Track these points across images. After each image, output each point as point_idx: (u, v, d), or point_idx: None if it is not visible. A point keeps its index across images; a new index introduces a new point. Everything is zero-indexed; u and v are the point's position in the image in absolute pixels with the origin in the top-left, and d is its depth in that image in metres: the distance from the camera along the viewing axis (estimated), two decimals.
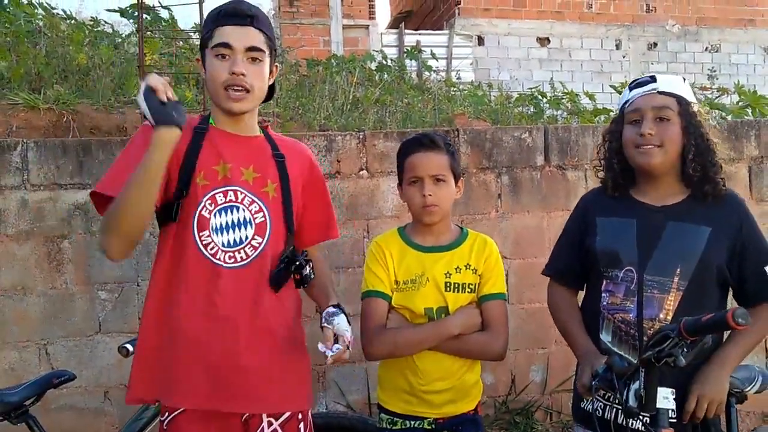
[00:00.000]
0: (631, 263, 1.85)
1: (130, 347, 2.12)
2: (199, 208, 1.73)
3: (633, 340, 1.83)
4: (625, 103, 1.92)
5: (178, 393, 1.72)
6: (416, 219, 2.06)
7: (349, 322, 1.76)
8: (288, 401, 1.82)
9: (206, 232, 1.73)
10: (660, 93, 1.84)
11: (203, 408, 1.72)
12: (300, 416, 1.84)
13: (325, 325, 1.72)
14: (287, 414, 1.81)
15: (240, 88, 1.73)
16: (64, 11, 5.45)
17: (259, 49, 1.76)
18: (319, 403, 3.25)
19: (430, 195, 1.97)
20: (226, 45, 1.72)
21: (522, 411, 3.40)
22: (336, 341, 1.70)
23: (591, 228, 1.97)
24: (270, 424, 1.78)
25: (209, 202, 1.74)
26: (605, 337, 1.89)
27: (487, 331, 2.01)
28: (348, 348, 1.70)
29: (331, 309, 1.77)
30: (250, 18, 1.75)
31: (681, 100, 1.85)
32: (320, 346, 1.68)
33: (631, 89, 1.92)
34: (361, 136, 3.34)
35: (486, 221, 3.42)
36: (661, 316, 1.80)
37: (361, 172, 3.32)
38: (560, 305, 2.04)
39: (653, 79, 1.87)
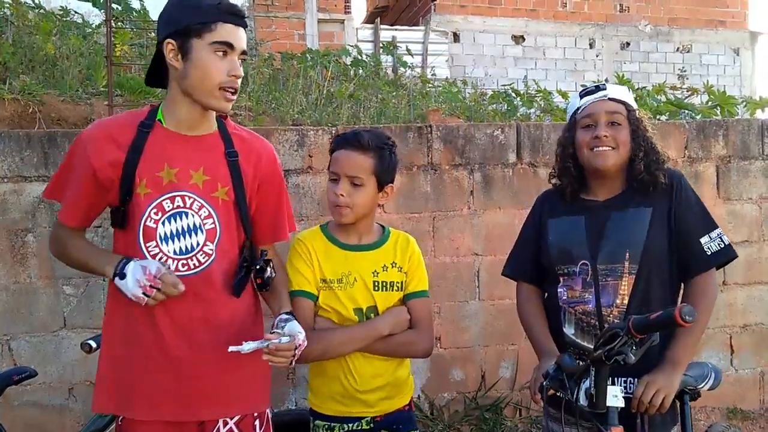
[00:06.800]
0: (585, 258, 1.92)
1: (93, 343, 2.09)
2: (144, 218, 1.68)
3: (594, 329, 1.89)
4: (577, 109, 2.00)
5: (137, 406, 1.71)
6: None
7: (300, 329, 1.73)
8: (243, 403, 1.80)
9: (153, 243, 1.68)
10: (610, 99, 1.94)
11: (162, 420, 1.71)
12: (256, 414, 1.83)
13: (276, 330, 1.70)
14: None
15: (234, 91, 1.69)
16: (33, 0, 5.33)
17: (247, 53, 1.73)
18: (288, 400, 3.23)
19: (342, 195, 1.92)
20: (230, 45, 1.66)
21: (491, 407, 3.42)
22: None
23: (544, 230, 2.04)
24: (225, 423, 1.77)
25: (155, 210, 1.69)
26: (568, 330, 1.95)
27: (413, 330, 2.01)
28: (296, 350, 1.68)
29: (283, 315, 1.76)
30: (245, 19, 1.72)
31: (629, 107, 1.96)
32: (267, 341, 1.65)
33: (581, 97, 2.01)
34: (333, 131, 3.32)
35: (458, 218, 3.42)
36: (618, 302, 1.87)
37: None
38: (528, 308, 2.07)
39: (603, 87, 1.98)
